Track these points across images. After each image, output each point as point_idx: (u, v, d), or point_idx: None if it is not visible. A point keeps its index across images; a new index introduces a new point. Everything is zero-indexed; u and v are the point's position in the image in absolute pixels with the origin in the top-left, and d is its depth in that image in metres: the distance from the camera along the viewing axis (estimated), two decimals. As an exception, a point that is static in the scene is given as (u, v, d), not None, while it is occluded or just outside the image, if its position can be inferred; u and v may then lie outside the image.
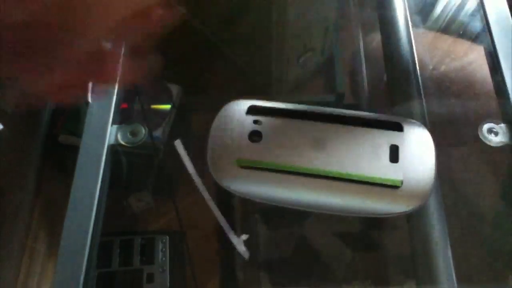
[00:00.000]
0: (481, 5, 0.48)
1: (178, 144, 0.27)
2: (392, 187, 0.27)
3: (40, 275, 0.48)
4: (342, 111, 0.30)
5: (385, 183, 0.27)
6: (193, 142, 0.67)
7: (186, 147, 0.68)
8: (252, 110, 0.30)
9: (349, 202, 0.28)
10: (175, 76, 0.64)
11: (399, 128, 0.29)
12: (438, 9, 0.57)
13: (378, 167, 0.27)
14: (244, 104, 0.30)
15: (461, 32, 0.32)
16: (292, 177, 0.27)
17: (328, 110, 0.29)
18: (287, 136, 0.28)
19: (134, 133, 0.44)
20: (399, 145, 0.28)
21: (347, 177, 0.27)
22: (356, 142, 0.28)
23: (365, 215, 0.29)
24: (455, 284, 0.35)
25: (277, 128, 0.28)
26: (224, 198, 0.41)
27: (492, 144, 0.42)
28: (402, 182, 0.27)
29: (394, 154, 0.28)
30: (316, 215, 0.41)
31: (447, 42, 0.54)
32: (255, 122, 0.29)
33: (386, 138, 0.28)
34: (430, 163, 0.28)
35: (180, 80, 0.63)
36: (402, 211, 0.29)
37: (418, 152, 0.28)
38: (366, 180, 0.27)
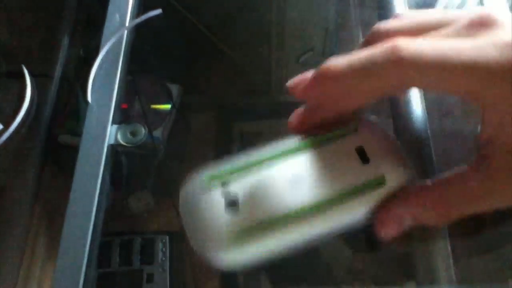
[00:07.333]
0: (481, 5, 0.48)
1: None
2: (379, 185, 0.26)
3: (40, 275, 0.48)
4: (294, 142, 0.28)
5: (370, 187, 0.26)
6: (193, 142, 0.67)
7: (186, 147, 0.68)
8: (216, 182, 0.26)
9: (349, 220, 0.26)
10: (175, 76, 0.64)
11: (354, 130, 0.27)
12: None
13: (356, 176, 0.26)
14: (204, 178, 0.26)
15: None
16: (285, 228, 0.25)
17: (286, 144, 0.27)
18: (263, 188, 0.26)
19: (134, 133, 0.44)
20: (362, 145, 0.26)
21: (334, 203, 0.25)
22: (325, 163, 0.26)
23: (370, 221, 0.27)
24: (455, 284, 0.35)
25: (251, 187, 0.26)
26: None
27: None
28: (384, 177, 0.26)
29: (363, 156, 0.26)
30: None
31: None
32: (225, 192, 0.26)
33: (347, 145, 0.27)
34: (394, 144, 0.27)
35: (180, 80, 0.63)
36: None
37: (381, 141, 0.27)
38: (352, 193, 0.25)
